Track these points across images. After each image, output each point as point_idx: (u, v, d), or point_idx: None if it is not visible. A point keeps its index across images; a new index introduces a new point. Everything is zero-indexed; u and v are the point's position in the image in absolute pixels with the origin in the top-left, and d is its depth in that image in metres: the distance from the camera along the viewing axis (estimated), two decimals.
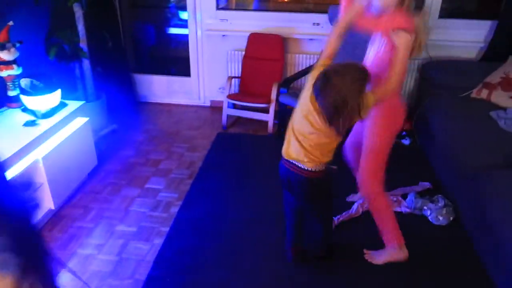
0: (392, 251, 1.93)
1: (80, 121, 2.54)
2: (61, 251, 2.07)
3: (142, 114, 3.76)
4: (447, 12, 3.39)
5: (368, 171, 1.87)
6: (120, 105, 3.71)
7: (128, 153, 3.05)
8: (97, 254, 2.06)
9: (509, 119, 2.56)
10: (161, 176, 2.75)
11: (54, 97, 2.37)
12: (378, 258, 1.98)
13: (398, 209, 2.36)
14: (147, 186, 2.64)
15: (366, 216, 2.23)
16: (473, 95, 2.95)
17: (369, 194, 1.93)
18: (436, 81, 3.16)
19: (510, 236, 1.70)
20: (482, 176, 2.07)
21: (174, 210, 2.40)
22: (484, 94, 2.89)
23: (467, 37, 3.33)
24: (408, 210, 2.36)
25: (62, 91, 2.48)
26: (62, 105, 2.49)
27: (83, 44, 3.01)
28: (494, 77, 2.91)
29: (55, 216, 2.33)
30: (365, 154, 1.86)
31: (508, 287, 1.76)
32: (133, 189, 2.60)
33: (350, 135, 2.13)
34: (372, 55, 1.81)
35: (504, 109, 2.72)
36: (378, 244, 1.98)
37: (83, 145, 2.58)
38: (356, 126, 2.03)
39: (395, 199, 2.41)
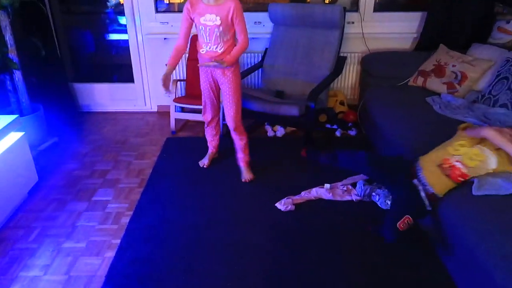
0: (249, 168, 2.70)
1: (15, 136, 2.38)
2: (2, 276, 1.92)
3: (85, 125, 3.60)
4: (380, 6, 3.55)
5: (237, 115, 2.52)
6: (60, 116, 3.53)
7: (72, 166, 2.90)
8: (43, 275, 1.93)
9: (443, 103, 2.72)
10: (109, 187, 2.64)
11: None
12: (247, 176, 2.66)
13: (349, 198, 2.43)
14: (94, 198, 2.52)
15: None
16: (410, 83, 3.11)
17: (242, 132, 2.60)
18: (375, 72, 3.29)
19: (452, 215, 1.80)
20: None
21: (125, 220, 2.31)
22: (420, 81, 3.04)
23: (401, 28, 3.50)
24: (358, 197, 2.43)
25: None
26: None
27: (12, 54, 2.82)
28: (428, 65, 3.07)
29: None
30: (231, 106, 2.48)
31: (452, 261, 1.86)
32: (79, 203, 2.47)
33: (207, 106, 2.65)
34: (222, 43, 2.34)
35: (439, 94, 2.88)
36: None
37: (20, 161, 2.41)
38: (208, 94, 2.58)
39: (345, 188, 2.48)
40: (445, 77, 2.93)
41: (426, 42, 3.35)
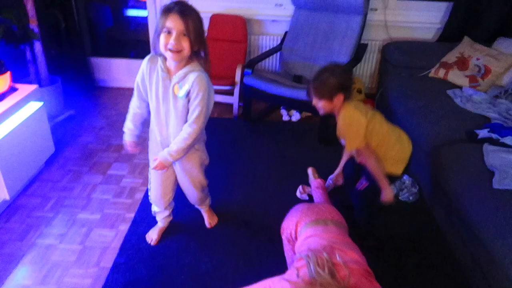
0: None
1: (34, 106, 2.40)
2: (19, 242, 1.96)
3: (101, 99, 3.61)
4: None
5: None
6: (77, 90, 3.54)
7: (87, 139, 2.92)
8: (58, 243, 1.97)
9: (465, 97, 2.67)
10: (124, 162, 2.66)
11: (3, 81, 2.21)
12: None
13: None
14: (109, 172, 2.55)
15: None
16: (431, 74, 3.05)
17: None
18: (396, 61, 3.23)
19: (469, 208, 1.78)
20: (441, 151, 2.15)
21: (139, 195, 2.33)
22: (441, 73, 2.99)
23: (425, 18, 3.42)
24: None
25: (12, 74, 2.32)
26: (12, 90, 2.33)
27: (33, 24, 2.82)
28: (451, 57, 3.01)
29: (11, 207, 2.20)
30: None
31: (466, 254, 1.85)
32: (95, 176, 2.50)
33: None
34: None
35: (460, 87, 2.83)
36: None
37: (38, 131, 2.44)
38: None
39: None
40: (468, 70, 2.87)
41: (450, 33, 3.27)
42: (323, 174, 2.50)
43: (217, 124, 3.22)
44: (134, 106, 1.77)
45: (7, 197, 2.15)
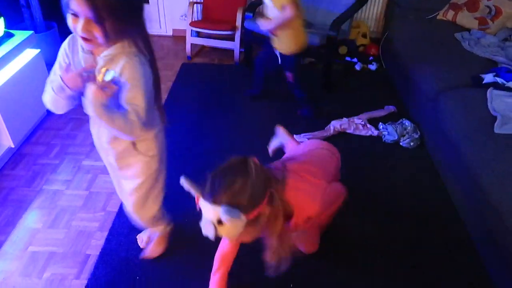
0: None
1: (31, 53, 2.35)
2: (27, 188, 2.02)
3: None
4: None
5: None
6: None
7: None
8: (65, 189, 2.02)
9: (473, 40, 2.59)
10: None
11: None
12: None
13: (365, 133, 2.42)
14: None
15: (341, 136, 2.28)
16: (440, 16, 2.93)
17: None
18: (403, 2, 3.10)
19: (469, 153, 1.78)
20: (444, 96, 2.12)
21: None
22: (450, 15, 2.87)
23: None
24: (375, 133, 2.41)
25: (5, 20, 2.25)
26: (7, 36, 2.27)
27: None
28: None
29: (16, 155, 2.24)
30: None
31: (464, 199, 1.88)
32: None
33: None
34: None
35: (469, 30, 2.73)
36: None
37: (37, 79, 2.41)
38: None
39: (363, 123, 2.45)
40: (478, 11, 2.75)
41: None
42: (325, 121, 2.50)
43: (217, 71, 3.17)
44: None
45: (12, 145, 2.18)
